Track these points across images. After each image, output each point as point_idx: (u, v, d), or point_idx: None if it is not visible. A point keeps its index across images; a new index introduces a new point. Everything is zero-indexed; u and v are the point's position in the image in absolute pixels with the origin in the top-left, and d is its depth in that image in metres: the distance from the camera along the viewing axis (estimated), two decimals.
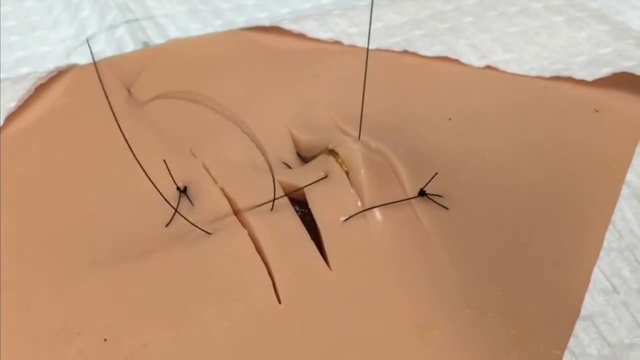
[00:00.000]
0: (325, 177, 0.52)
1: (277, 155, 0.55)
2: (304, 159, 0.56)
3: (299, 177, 0.52)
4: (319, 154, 0.54)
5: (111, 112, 0.45)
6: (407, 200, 0.50)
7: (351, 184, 0.51)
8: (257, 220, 0.50)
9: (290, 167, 0.54)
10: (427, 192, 0.50)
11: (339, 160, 0.52)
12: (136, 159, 0.46)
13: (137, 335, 0.45)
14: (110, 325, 0.45)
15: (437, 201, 0.50)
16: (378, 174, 0.51)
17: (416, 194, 0.50)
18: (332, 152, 0.53)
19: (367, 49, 0.51)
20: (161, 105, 0.61)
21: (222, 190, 0.52)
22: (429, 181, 0.49)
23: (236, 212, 0.51)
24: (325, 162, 0.53)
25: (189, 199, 0.52)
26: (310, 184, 0.51)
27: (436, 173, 0.49)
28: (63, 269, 0.49)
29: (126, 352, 0.44)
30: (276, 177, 0.52)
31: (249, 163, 0.54)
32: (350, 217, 0.49)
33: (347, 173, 0.52)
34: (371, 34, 0.66)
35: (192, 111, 0.60)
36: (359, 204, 0.50)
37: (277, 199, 0.50)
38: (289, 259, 0.48)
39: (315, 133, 0.56)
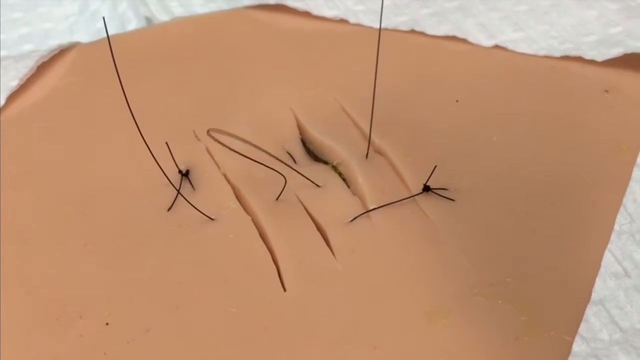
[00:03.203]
0: (320, 186, 0.51)
1: (281, 142, 0.54)
2: (309, 150, 0.55)
3: (300, 178, 0.51)
4: (324, 162, 0.54)
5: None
6: (412, 198, 0.50)
7: (353, 194, 0.51)
8: (261, 207, 0.50)
9: (294, 160, 0.54)
10: (432, 186, 0.49)
11: (342, 177, 0.52)
12: (143, 138, 0.45)
13: (139, 319, 0.45)
14: (112, 309, 0.45)
15: (443, 194, 0.49)
16: (379, 179, 0.51)
17: (421, 190, 0.50)
18: (335, 168, 0.53)
19: (377, 54, 0.51)
20: (165, 85, 0.60)
21: (225, 176, 0.52)
22: (430, 176, 0.49)
23: (239, 199, 0.50)
24: (327, 172, 0.53)
25: (190, 183, 0.51)
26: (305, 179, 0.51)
27: (435, 167, 0.49)
28: (64, 251, 0.49)
29: (128, 336, 0.44)
30: (280, 171, 0.51)
31: (253, 149, 0.53)
32: (355, 218, 0.49)
33: (349, 186, 0.52)
34: (377, 14, 0.65)
35: (198, 92, 0.60)
36: (363, 208, 0.50)
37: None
38: (294, 247, 0.47)
39: (321, 122, 0.56)
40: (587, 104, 0.56)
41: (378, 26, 0.64)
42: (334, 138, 0.54)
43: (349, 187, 0.52)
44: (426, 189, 0.49)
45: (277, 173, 0.50)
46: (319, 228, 0.49)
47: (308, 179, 0.51)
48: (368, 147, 0.53)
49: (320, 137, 0.55)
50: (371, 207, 0.49)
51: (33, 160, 0.55)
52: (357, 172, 0.51)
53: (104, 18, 0.43)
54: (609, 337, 0.42)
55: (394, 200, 0.49)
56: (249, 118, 0.56)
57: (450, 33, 0.63)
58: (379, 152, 0.53)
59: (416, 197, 0.50)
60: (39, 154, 0.56)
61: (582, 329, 0.42)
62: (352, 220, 0.49)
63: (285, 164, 0.50)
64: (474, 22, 0.64)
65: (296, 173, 0.51)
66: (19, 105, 0.60)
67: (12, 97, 0.60)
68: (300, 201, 0.50)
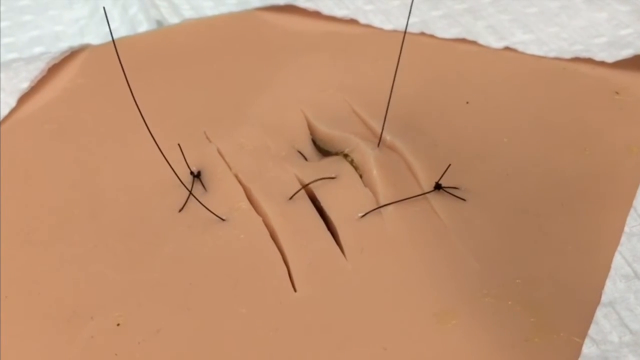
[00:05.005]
0: (334, 177, 0.51)
1: (292, 142, 0.54)
2: (320, 148, 0.55)
3: (313, 174, 0.51)
4: (335, 154, 0.54)
5: (125, 94, 0.44)
6: (423, 195, 0.49)
7: (365, 185, 0.51)
8: (272, 208, 0.49)
9: (305, 158, 0.54)
10: (443, 185, 0.49)
11: (354, 164, 0.52)
12: (154, 139, 0.45)
13: (150, 320, 0.45)
14: (123, 310, 0.45)
15: (454, 193, 0.49)
16: (392, 173, 0.51)
17: (432, 188, 0.49)
18: (347, 157, 0.53)
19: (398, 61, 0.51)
20: (176, 87, 0.61)
21: (236, 176, 0.52)
22: (443, 174, 0.49)
23: (250, 200, 0.50)
24: (340, 163, 0.53)
25: (202, 184, 0.51)
26: (318, 180, 0.51)
27: (449, 165, 0.49)
28: (75, 253, 0.49)
29: (139, 337, 0.44)
30: (291, 169, 0.52)
31: (264, 150, 0.54)
32: (366, 213, 0.49)
33: (361, 176, 0.52)
34: (387, 14, 0.65)
35: (208, 93, 0.60)
36: (374, 202, 0.50)
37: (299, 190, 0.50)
38: (305, 248, 0.47)
39: (331, 121, 0.56)
40: (598, 106, 0.56)
41: (388, 27, 0.64)
42: (344, 131, 0.55)
43: (361, 177, 0.52)
44: (438, 187, 0.49)
45: (287, 173, 0.51)
46: (329, 224, 0.49)
47: (322, 178, 0.51)
48: (381, 134, 0.53)
49: (330, 132, 0.55)
50: (383, 202, 0.49)
51: (43, 161, 0.55)
52: (371, 162, 0.51)
53: (105, 13, 0.43)
54: (618, 339, 0.42)
55: (406, 197, 0.49)
56: (260, 119, 0.56)
57: (460, 36, 0.63)
58: (391, 149, 0.53)
59: (427, 195, 0.50)
60: (50, 156, 0.56)
61: (592, 330, 0.42)
62: (363, 216, 0.49)
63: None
64: (484, 25, 0.64)
65: (307, 169, 0.51)
66: (30, 107, 0.60)
67: (23, 98, 0.60)
68: (314, 193, 0.50)
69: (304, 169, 0.52)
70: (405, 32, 0.51)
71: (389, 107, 0.52)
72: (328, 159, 0.54)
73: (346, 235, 0.48)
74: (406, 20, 0.65)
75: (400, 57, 0.51)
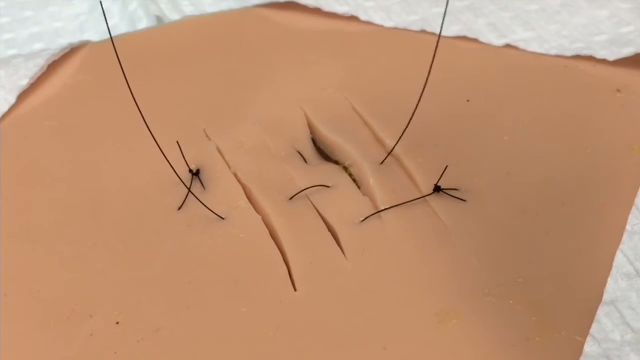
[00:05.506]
0: (330, 187, 0.51)
1: (292, 142, 0.54)
2: (320, 150, 0.55)
3: (311, 179, 0.51)
4: (335, 162, 0.54)
5: (125, 91, 0.44)
6: (423, 198, 0.49)
7: (364, 194, 0.51)
8: (272, 207, 0.49)
9: (305, 160, 0.54)
10: (443, 186, 0.49)
11: (352, 177, 0.52)
12: (154, 137, 0.45)
13: (149, 319, 0.45)
14: (123, 309, 0.45)
15: (454, 195, 0.49)
16: (391, 181, 0.51)
17: (432, 191, 0.49)
18: (346, 169, 0.53)
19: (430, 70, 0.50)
20: (175, 84, 0.61)
21: (236, 175, 0.52)
22: (441, 176, 0.49)
23: (250, 199, 0.50)
24: (338, 172, 0.53)
25: (201, 182, 0.51)
26: (314, 187, 0.51)
27: (447, 167, 0.49)
28: (74, 251, 0.49)
29: (138, 335, 0.44)
30: (289, 171, 0.52)
31: (264, 149, 0.54)
32: (366, 218, 0.49)
33: (359, 187, 0.52)
34: (388, 11, 0.65)
35: (208, 91, 0.60)
36: (373, 209, 0.50)
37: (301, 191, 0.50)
38: (305, 247, 0.47)
39: (332, 121, 0.56)
40: (599, 104, 0.56)
41: (389, 25, 0.64)
42: (345, 138, 0.54)
43: (359, 187, 0.51)
44: (437, 189, 0.49)
45: (287, 173, 0.50)
46: (329, 228, 0.49)
47: (318, 185, 0.51)
48: (387, 155, 0.52)
49: (331, 136, 0.55)
50: (382, 208, 0.49)
51: (43, 158, 0.55)
52: (368, 174, 0.51)
53: (104, 12, 0.43)
54: (620, 338, 0.42)
55: (405, 201, 0.49)
56: (260, 117, 0.56)
57: (461, 33, 0.63)
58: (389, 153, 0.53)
59: (427, 197, 0.49)
60: (50, 153, 0.55)
61: (594, 329, 0.42)
62: (363, 221, 0.49)
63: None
64: (485, 22, 0.64)
65: (306, 173, 0.51)
66: (29, 104, 0.59)
67: (23, 95, 0.60)
68: (311, 201, 0.50)
69: (302, 173, 0.52)
70: (439, 34, 0.51)
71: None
72: (327, 166, 0.53)
73: (346, 238, 0.48)
74: (408, 18, 0.65)
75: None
